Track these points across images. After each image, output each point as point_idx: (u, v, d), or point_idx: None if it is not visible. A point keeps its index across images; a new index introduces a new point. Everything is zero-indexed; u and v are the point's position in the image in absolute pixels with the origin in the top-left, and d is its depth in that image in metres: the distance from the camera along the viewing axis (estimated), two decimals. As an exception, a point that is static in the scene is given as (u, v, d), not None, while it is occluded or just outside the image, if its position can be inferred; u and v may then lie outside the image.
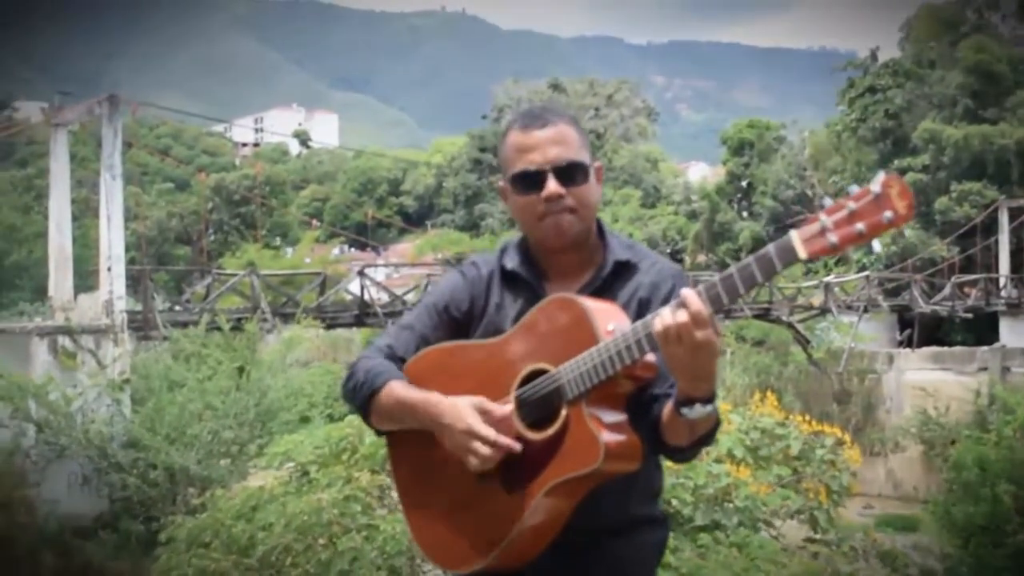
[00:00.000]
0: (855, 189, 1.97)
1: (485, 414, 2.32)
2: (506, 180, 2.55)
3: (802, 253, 2.00)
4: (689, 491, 6.71)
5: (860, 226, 1.95)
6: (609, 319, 2.29)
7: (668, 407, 2.24)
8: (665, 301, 2.33)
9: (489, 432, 2.29)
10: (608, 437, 2.24)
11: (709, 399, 2.17)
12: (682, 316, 2.07)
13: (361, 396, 2.51)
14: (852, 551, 7.78)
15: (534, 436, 2.32)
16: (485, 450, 2.29)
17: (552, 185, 2.44)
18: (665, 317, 2.09)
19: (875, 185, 1.94)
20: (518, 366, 2.38)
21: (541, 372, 2.34)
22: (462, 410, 2.33)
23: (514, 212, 2.55)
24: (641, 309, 2.41)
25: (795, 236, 2.01)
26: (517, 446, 2.31)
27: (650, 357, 2.25)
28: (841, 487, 7.89)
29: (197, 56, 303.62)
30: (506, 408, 2.33)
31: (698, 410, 2.16)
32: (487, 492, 2.39)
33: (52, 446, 16.46)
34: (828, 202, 2.00)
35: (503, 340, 2.45)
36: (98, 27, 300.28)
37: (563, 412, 2.29)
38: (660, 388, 2.34)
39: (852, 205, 1.96)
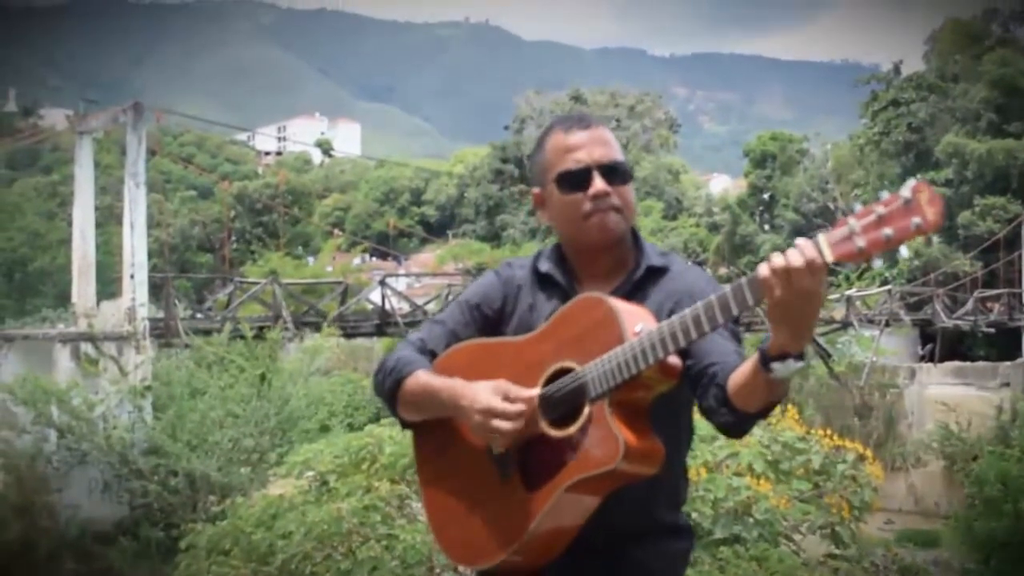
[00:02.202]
0: (885, 195, 1.95)
1: (505, 394, 2.33)
2: (547, 183, 2.56)
3: (829, 256, 1.98)
4: (709, 504, 6.69)
5: (888, 231, 1.92)
6: (636, 320, 2.28)
7: (747, 369, 2.19)
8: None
9: (506, 406, 2.31)
10: (628, 437, 2.23)
11: (801, 355, 2.12)
12: (796, 259, 2.00)
13: (389, 384, 2.55)
14: (873, 566, 7.74)
15: (556, 433, 2.33)
16: (504, 424, 2.31)
17: (599, 183, 2.46)
18: (776, 260, 2.04)
19: (905, 191, 1.92)
20: (545, 364, 2.39)
21: (567, 371, 2.35)
22: (480, 391, 2.35)
23: (556, 214, 2.56)
24: (672, 312, 2.37)
25: (822, 239, 1.99)
26: (533, 395, 2.33)
27: (674, 359, 2.25)
28: (863, 502, 7.84)
29: (222, 65, 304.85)
30: (529, 391, 2.34)
31: (791, 365, 2.10)
32: (508, 489, 2.40)
33: (74, 452, 16.56)
34: (857, 207, 1.99)
35: (532, 338, 2.46)
36: (124, 35, 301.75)
37: (586, 410, 2.29)
38: (708, 359, 2.33)
39: (881, 210, 1.93)
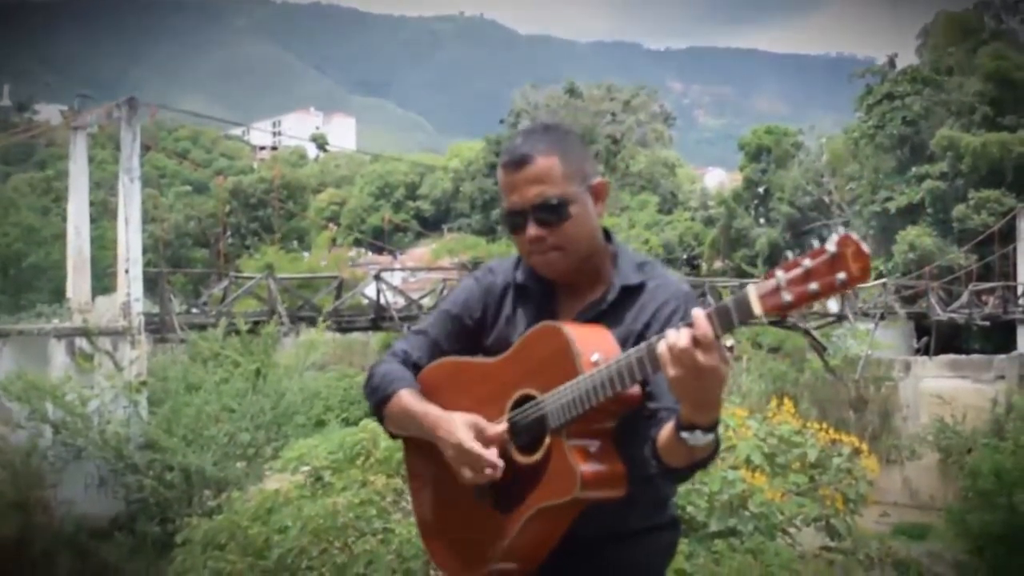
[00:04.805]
0: (816, 245, 1.97)
1: (479, 432, 2.37)
2: None
3: (757, 309, 2.01)
4: (704, 497, 6.71)
5: (814, 286, 1.95)
6: (594, 349, 2.30)
7: (668, 429, 2.21)
8: (666, 324, 2.34)
9: (478, 449, 2.35)
10: (586, 468, 2.27)
11: (711, 427, 2.15)
12: (684, 339, 2.05)
13: (374, 402, 2.60)
14: (867, 559, 7.76)
15: (523, 460, 2.37)
16: (473, 467, 2.36)
17: (532, 230, 2.44)
18: (669, 338, 2.08)
19: (831, 244, 1.94)
20: (510, 389, 2.42)
21: (531, 397, 2.38)
22: (455, 425, 2.39)
23: None
24: (643, 332, 2.41)
25: (752, 291, 2.02)
26: (499, 464, 2.35)
27: (634, 389, 2.27)
28: (858, 495, 7.85)
29: (217, 61, 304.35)
30: (499, 427, 2.38)
31: (699, 437, 2.14)
32: (482, 509, 2.45)
33: (69, 447, 16.53)
34: (789, 256, 2.01)
35: (500, 361, 2.49)
36: (119, 32, 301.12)
37: (546, 440, 2.33)
38: (660, 404, 2.32)
39: (808, 263, 1.95)
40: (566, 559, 2.44)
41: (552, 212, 2.43)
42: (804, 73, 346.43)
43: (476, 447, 2.34)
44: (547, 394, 2.32)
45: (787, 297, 1.97)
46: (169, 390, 17.60)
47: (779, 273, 1.99)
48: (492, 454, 2.34)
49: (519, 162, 2.46)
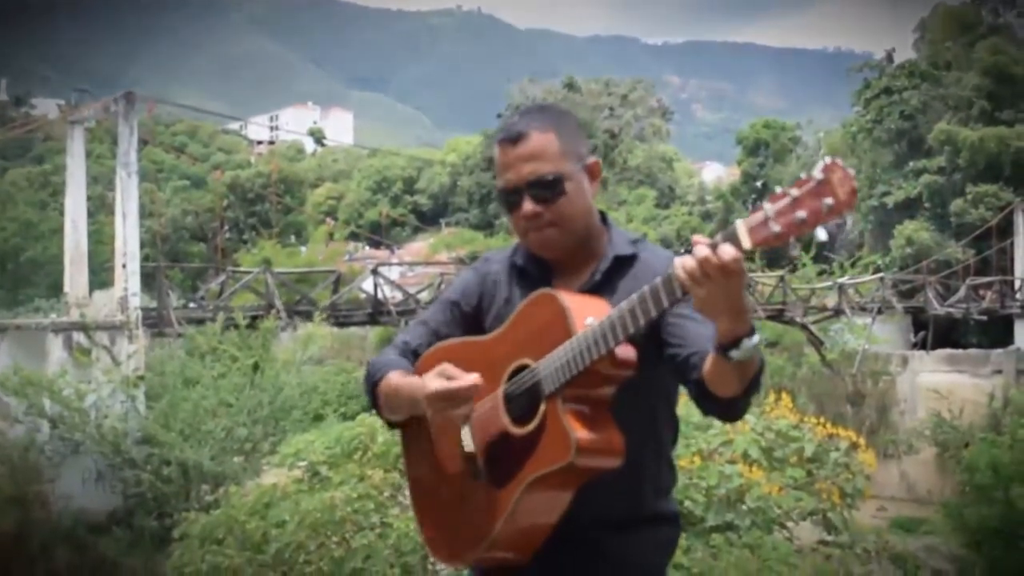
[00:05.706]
0: (803, 176, 1.95)
1: (449, 378, 2.33)
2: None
3: (746, 242, 1.98)
4: (702, 492, 6.72)
5: (802, 214, 1.92)
6: (587, 314, 2.27)
7: (710, 359, 2.18)
8: None
9: (450, 384, 2.30)
10: (581, 433, 2.24)
11: (752, 331, 2.10)
12: (702, 251, 2.01)
13: (367, 389, 2.61)
14: (865, 553, 7.76)
15: (517, 431, 2.34)
16: (451, 402, 2.31)
17: (527, 206, 2.45)
18: (687, 262, 2.04)
19: (817, 171, 1.92)
20: (506, 361, 2.41)
21: (526, 367, 2.36)
22: (425, 380, 2.35)
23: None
24: None
25: (740, 225, 1.99)
26: (475, 379, 2.31)
27: (626, 351, 2.24)
28: (855, 490, 7.86)
29: (215, 56, 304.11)
30: (471, 377, 2.31)
31: (745, 346, 2.09)
32: (478, 487, 2.42)
33: (67, 442, 16.53)
34: (778, 190, 1.98)
35: (496, 336, 2.48)
36: (117, 27, 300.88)
37: (542, 407, 2.30)
38: (690, 348, 2.30)
39: (794, 192, 1.93)
40: (563, 548, 2.41)
41: (547, 188, 2.44)
42: (802, 68, 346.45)
43: (448, 384, 2.31)
44: (541, 360, 2.30)
45: (775, 228, 1.95)
46: (167, 385, 17.60)
47: (767, 205, 1.96)
48: (463, 379, 2.30)
49: (515, 138, 2.47)
